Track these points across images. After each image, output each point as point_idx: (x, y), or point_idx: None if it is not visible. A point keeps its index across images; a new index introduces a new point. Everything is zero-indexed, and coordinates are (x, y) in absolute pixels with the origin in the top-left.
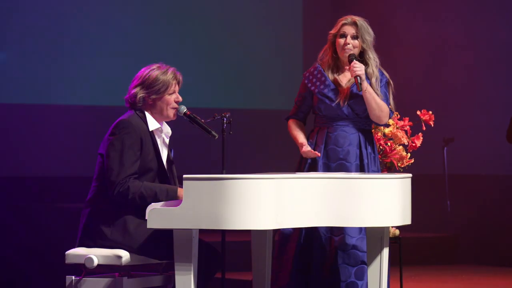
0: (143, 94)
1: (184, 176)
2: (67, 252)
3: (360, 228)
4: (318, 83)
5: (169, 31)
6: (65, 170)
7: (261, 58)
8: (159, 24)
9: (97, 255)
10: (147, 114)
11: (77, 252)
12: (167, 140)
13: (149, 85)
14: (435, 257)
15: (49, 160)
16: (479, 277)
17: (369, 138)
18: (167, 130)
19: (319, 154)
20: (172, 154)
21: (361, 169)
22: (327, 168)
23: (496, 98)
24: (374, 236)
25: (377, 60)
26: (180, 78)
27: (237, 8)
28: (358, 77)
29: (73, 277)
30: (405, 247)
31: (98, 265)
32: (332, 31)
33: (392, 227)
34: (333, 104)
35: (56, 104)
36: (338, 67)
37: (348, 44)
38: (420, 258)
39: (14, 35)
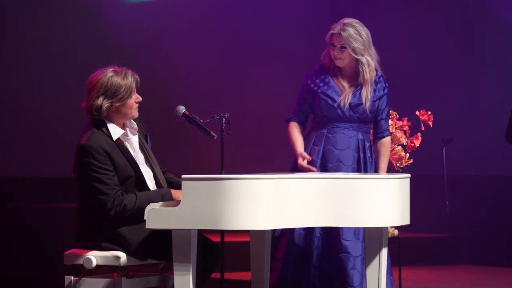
0: (108, 104)
1: (183, 176)
2: (65, 253)
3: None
4: (321, 84)
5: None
6: (64, 170)
7: (261, 58)
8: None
9: (95, 255)
10: (108, 124)
11: (76, 253)
12: (135, 137)
13: (113, 94)
14: (434, 257)
15: (48, 160)
16: (477, 277)
17: (368, 143)
18: (132, 125)
19: (315, 170)
20: (149, 143)
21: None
22: (324, 169)
23: (495, 98)
24: (373, 237)
25: (375, 59)
26: (138, 78)
27: (238, 8)
28: None
29: (72, 277)
30: (404, 247)
31: (97, 265)
32: (326, 37)
33: (391, 227)
34: (335, 105)
35: (55, 103)
36: (340, 70)
37: (338, 58)
38: (418, 258)
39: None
